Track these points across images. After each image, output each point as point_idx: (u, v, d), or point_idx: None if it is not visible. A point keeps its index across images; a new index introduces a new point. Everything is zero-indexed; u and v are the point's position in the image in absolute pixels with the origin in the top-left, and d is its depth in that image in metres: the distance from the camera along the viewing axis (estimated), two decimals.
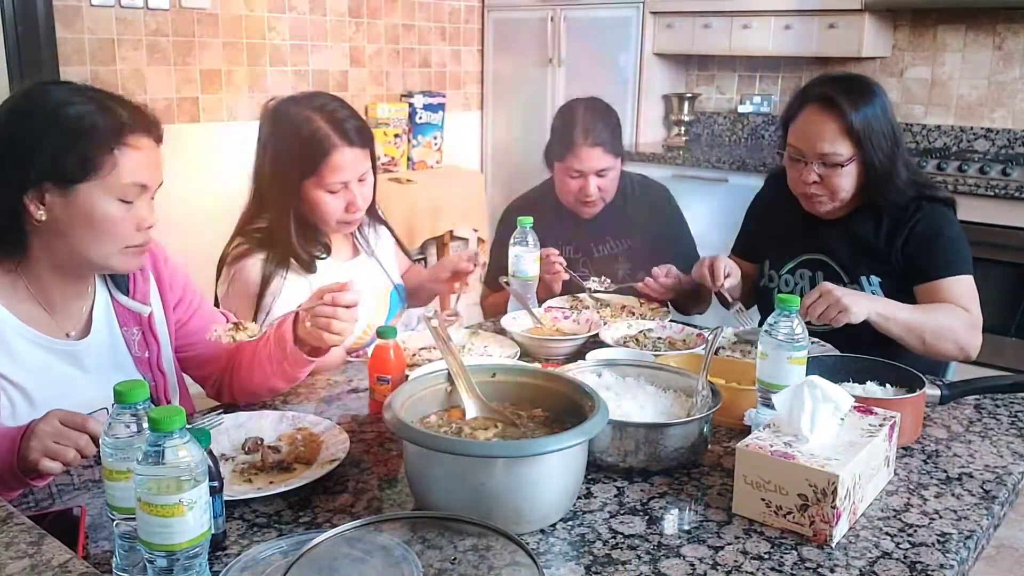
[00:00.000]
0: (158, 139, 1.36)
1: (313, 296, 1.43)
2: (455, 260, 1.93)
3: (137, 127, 1.31)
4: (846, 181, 1.84)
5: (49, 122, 1.28)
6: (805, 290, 1.97)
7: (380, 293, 1.97)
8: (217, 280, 1.85)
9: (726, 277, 1.92)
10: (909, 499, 1.22)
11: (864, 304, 1.68)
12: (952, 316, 1.77)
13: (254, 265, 1.77)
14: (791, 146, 1.88)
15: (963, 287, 1.82)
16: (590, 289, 2.14)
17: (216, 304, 1.87)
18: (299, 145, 1.76)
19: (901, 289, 1.87)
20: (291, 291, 1.78)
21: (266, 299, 1.76)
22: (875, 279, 1.89)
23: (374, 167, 1.87)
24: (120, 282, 1.46)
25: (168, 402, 1.50)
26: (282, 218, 1.80)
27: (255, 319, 1.75)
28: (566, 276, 2.16)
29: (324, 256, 1.85)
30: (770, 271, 2.05)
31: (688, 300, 2.21)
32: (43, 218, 1.28)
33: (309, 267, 1.82)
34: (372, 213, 2.00)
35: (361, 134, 1.80)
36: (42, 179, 1.27)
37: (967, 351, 1.78)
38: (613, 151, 2.19)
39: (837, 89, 1.83)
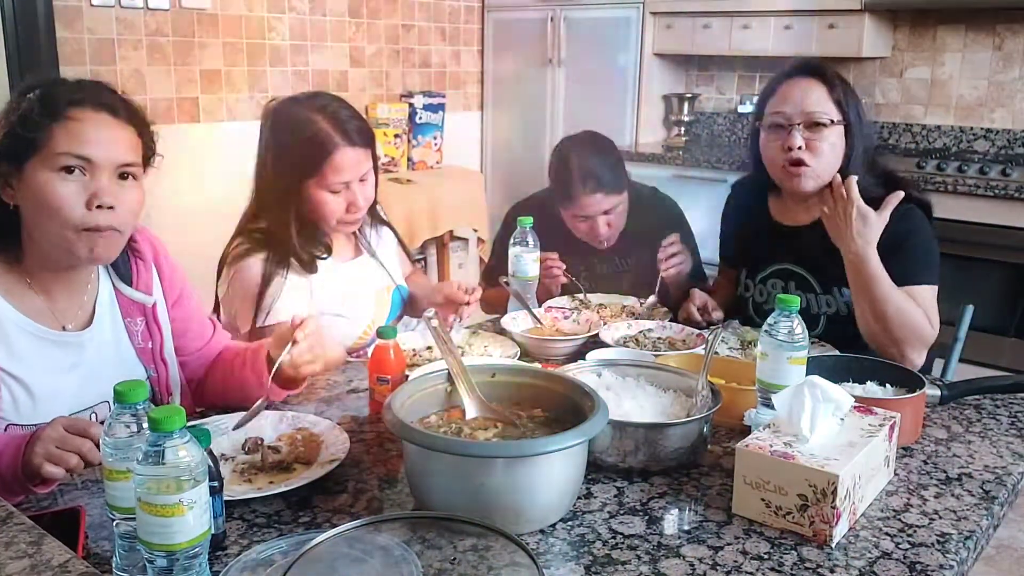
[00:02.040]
0: (122, 118, 1.33)
1: (276, 342, 1.44)
2: (451, 289, 1.91)
3: (84, 100, 1.30)
4: (831, 149, 1.79)
5: (8, 107, 1.30)
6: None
7: (381, 293, 1.97)
8: (218, 280, 1.85)
9: (713, 311, 1.94)
10: (909, 499, 1.22)
11: (868, 245, 1.65)
12: (920, 316, 1.71)
13: (254, 265, 1.77)
14: (774, 113, 1.82)
15: (925, 298, 1.75)
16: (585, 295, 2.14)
17: (216, 305, 1.87)
18: (301, 145, 1.76)
19: None
20: (291, 292, 1.78)
21: (266, 300, 1.76)
22: (847, 291, 1.81)
23: (375, 167, 1.87)
24: (123, 273, 1.46)
25: (169, 393, 1.51)
26: (283, 218, 1.79)
27: (255, 320, 1.75)
28: (565, 280, 2.15)
29: (325, 256, 1.86)
30: (746, 280, 2.01)
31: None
32: (12, 203, 1.30)
33: (310, 267, 1.82)
34: (373, 214, 2.00)
35: (363, 134, 1.80)
36: (1, 162, 1.28)
37: (911, 358, 1.71)
38: (616, 190, 2.14)
39: (818, 64, 1.85)
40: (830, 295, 1.87)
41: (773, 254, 1.95)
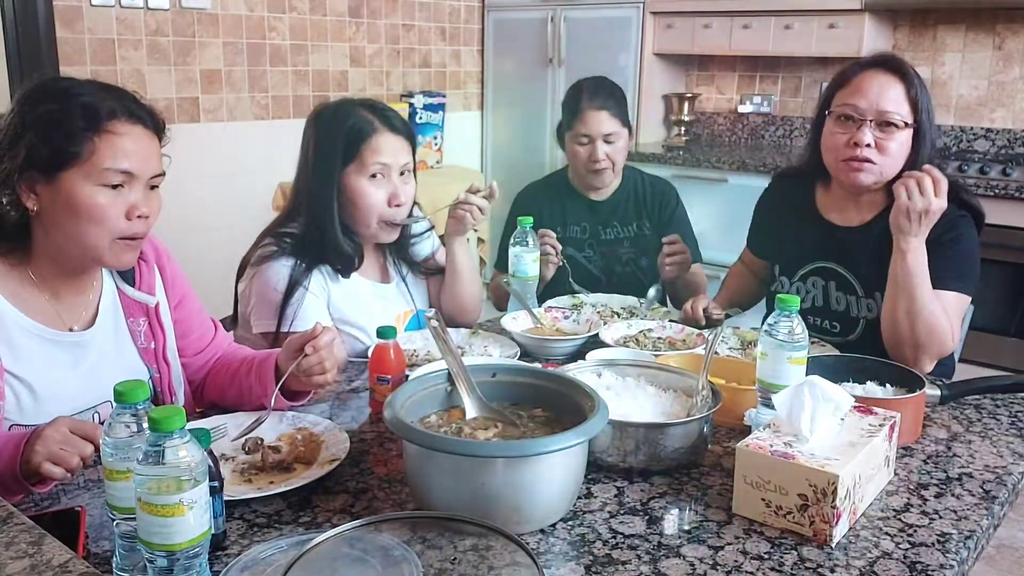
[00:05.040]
0: (151, 128, 1.35)
1: (288, 353, 1.43)
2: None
3: (122, 113, 1.31)
4: (899, 151, 1.74)
5: (34, 111, 1.29)
6: (817, 300, 1.89)
7: (399, 317, 1.95)
8: (238, 278, 1.84)
9: (714, 310, 1.95)
10: (909, 499, 1.22)
11: (919, 238, 1.63)
12: (948, 327, 1.68)
13: (281, 270, 1.76)
14: (845, 104, 1.75)
15: (953, 305, 1.71)
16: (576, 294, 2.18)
17: (235, 302, 1.87)
18: (341, 132, 1.79)
19: None
20: (311, 302, 1.76)
21: (288, 308, 1.74)
22: None
23: (414, 171, 1.88)
24: (126, 274, 1.47)
25: (172, 393, 1.51)
26: (321, 215, 1.79)
27: (279, 326, 1.74)
28: (558, 261, 2.18)
29: (355, 266, 1.84)
30: (781, 277, 1.96)
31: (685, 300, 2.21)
32: (35, 208, 1.30)
33: (349, 263, 1.82)
34: (405, 254, 1.98)
35: (405, 127, 1.84)
36: (28, 168, 1.28)
37: (924, 365, 1.69)
38: (619, 118, 2.31)
39: (898, 59, 1.78)
40: (872, 300, 1.82)
41: (816, 251, 1.89)
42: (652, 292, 2.14)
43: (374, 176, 1.78)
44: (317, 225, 1.80)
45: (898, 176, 1.71)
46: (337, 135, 1.79)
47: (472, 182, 1.94)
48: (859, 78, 1.77)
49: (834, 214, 1.89)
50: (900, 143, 1.73)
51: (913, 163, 1.74)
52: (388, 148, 1.79)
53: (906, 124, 1.73)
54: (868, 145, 1.72)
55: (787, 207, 1.99)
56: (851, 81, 1.78)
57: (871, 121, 1.72)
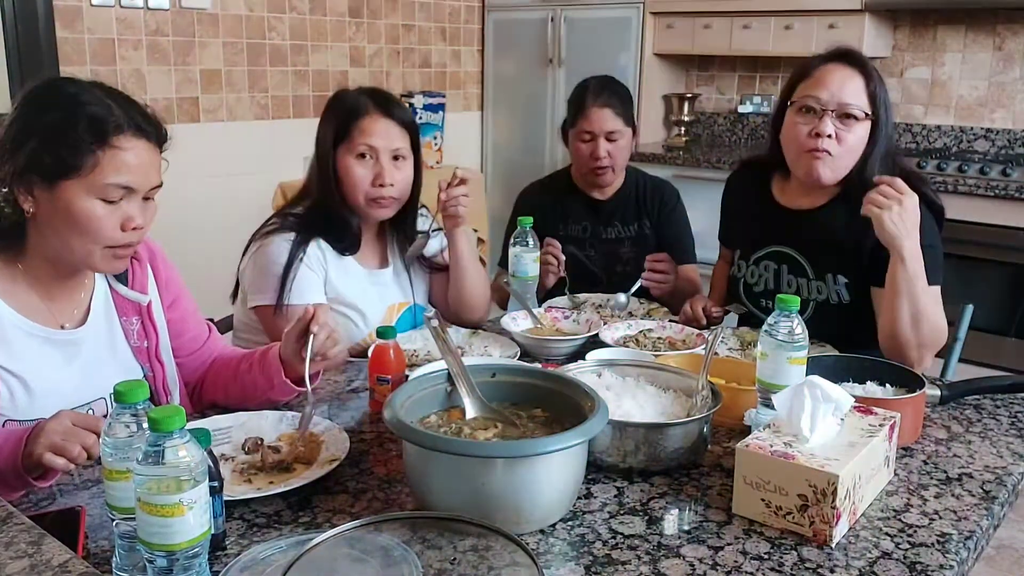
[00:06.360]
0: (155, 141, 1.35)
1: (290, 342, 1.45)
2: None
3: (128, 128, 1.31)
4: (857, 143, 1.77)
5: (40, 116, 1.29)
6: (769, 283, 1.92)
7: (393, 308, 1.95)
8: (244, 254, 1.86)
9: (713, 308, 1.97)
10: (909, 499, 1.22)
11: (911, 239, 1.62)
12: (944, 320, 1.69)
13: (282, 244, 1.79)
14: (808, 96, 1.78)
15: (938, 298, 1.72)
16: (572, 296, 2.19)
17: (237, 280, 1.89)
18: (337, 113, 1.85)
19: (867, 293, 1.81)
20: (304, 278, 1.79)
21: (288, 280, 1.77)
22: (841, 279, 1.83)
23: (418, 165, 1.90)
24: (119, 273, 1.47)
25: (168, 392, 1.51)
26: (325, 187, 1.83)
27: (280, 299, 1.76)
28: (556, 273, 2.18)
29: (353, 247, 1.86)
30: (739, 261, 2.01)
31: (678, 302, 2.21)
32: (31, 210, 1.30)
33: (351, 240, 1.85)
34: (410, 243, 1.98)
35: (403, 114, 1.87)
36: (28, 172, 1.28)
37: (927, 362, 1.70)
38: (623, 117, 2.32)
39: (858, 54, 1.82)
40: (822, 282, 1.86)
41: (769, 236, 1.93)
42: (622, 298, 2.15)
43: (362, 156, 1.82)
44: (319, 201, 1.85)
45: (857, 174, 1.77)
46: (334, 115, 1.85)
47: (438, 181, 1.92)
48: (820, 71, 1.80)
49: (787, 199, 1.94)
50: (858, 136, 1.77)
51: (869, 156, 1.78)
52: (378, 130, 1.82)
53: (865, 116, 1.76)
54: (829, 136, 1.76)
55: (745, 195, 2.04)
56: (813, 73, 1.82)
57: (832, 112, 1.76)
